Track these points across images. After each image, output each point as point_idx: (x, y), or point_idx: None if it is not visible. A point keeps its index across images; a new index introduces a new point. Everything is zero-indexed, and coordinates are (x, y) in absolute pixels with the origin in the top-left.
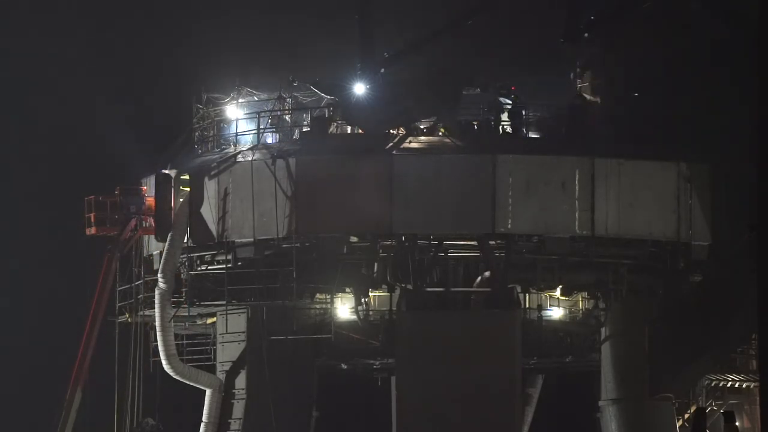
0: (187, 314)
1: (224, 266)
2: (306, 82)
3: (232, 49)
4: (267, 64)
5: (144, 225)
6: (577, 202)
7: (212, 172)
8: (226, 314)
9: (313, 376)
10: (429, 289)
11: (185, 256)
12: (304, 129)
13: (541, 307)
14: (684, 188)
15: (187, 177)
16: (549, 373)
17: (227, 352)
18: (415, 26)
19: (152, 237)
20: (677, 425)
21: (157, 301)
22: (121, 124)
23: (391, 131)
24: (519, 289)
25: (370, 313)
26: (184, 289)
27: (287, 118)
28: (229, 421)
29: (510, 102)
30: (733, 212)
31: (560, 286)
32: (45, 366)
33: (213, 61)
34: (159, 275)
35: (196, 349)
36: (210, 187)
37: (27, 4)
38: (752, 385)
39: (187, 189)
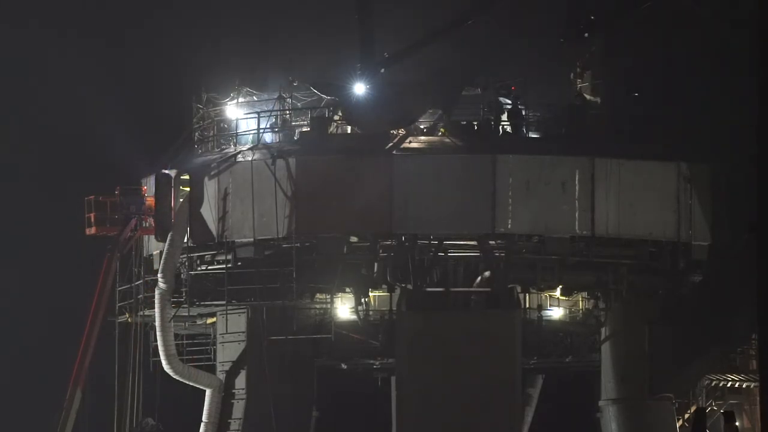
0: (187, 314)
1: (224, 266)
2: (306, 82)
3: (233, 49)
4: (267, 64)
5: (144, 225)
6: (577, 202)
7: (212, 172)
8: (226, 314)
9: (313, 376)
10: (429, 289)
11: (185, 256)
12: (304, 129)
13: (541, 307)
14: (684, 188)
15: (187, 177)
16: (549, 373)
17: (227, 352)
18: (415, 26)
19: (152, 237)
20: (677, 425)
21: (157, 301)
22: (121, 124)
23: (391, 131)
24: (519, 289)
25: (370, 313)
26: (184, 289)
27: (288, 117)
28: (229, 421)
29: (510, 102)
30: (733, 212)
31: (560, 286)
32: (45, 366)
33: (213, 61)
34: (159, 275)
35: (196, 349)
36: (210, 187)
37: (27, 4)
38: (752, 385)
39: (187, 189)
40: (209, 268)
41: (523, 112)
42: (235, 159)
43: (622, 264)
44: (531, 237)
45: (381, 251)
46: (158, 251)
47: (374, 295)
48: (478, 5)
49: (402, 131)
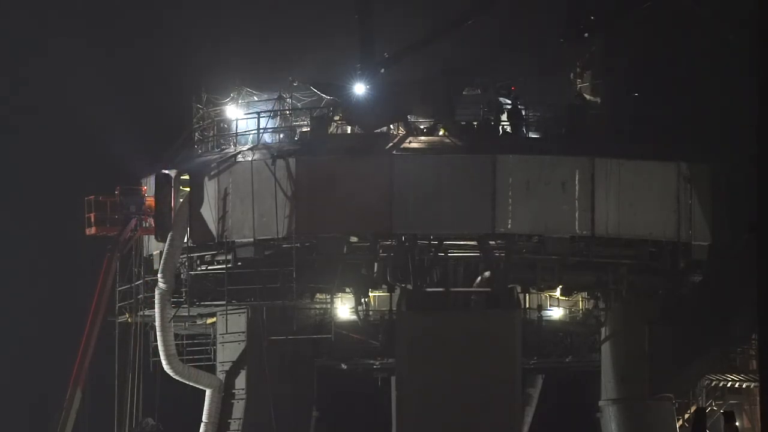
0: (187, 314)
1: (224, 266)
2: (306, 82)
3: (233, 49)
4: (267, 64)
5: (144, 225)
6: (577, 202)
7: (212, 172)
8: (226, 314)
9: (313, 376)
10: (429, 289)
11: (185, 256)
12: (304, 129)
13: (541, 307)
14: (684, 188)
15: (187, 177)
16: (549, 373)
17: (227, 352)
18: (415, 26)
19: (152, 237)
20: (677, 425)
21: (157, 301)
22: (121, 124)
23: (392, 131)
24: (519, 289)
25: (370, 313)
26: (184, 289)
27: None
28: (229, 421)
29: (510, 102)
30: (733, 212)
31: (560, 286)
32: (45, 366)
33: (213, 61)
34: (159, 275)
35: (196, 349)
36: (210, 187)
37: (27, 3)
38: (752, 385)
39: (187, 189)
40: (209, 268)
41: (523, 112)
42: (235, 159)
43: (622, 264)
44: (531, 237)
45: (381, 251)
46: (158, 251)
47: (374, 295)
48: (478, 5)
49: (402, 131)
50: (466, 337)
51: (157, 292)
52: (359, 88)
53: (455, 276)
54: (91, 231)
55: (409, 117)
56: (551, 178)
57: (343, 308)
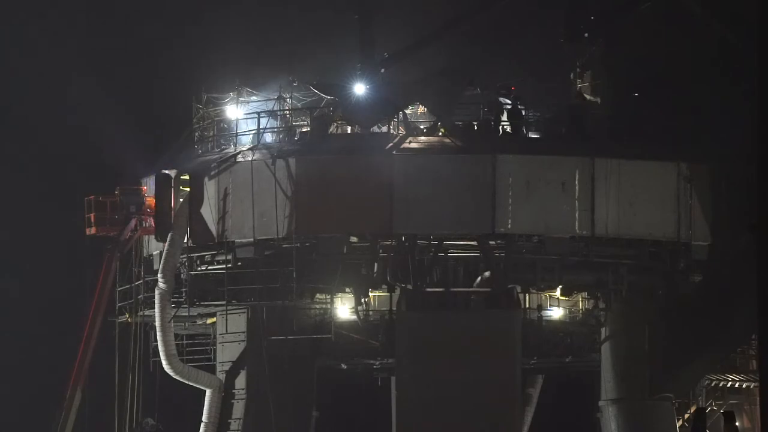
0: (187, 314)
1: (224, 266)
2: (306, 82)
3: (233, 49)
4: (267, 64)
5: (144, 225)
6: (577, 202)
7: (212, 172)
8: (226, 314)
9: (313, 376)
10: (429, 289)
11: (185, 256)
12: (304, 129)
13: (541, 307)
14: (684, 188)
15: (187, 177)
16: (549, 373)
17: (227, 352)
18: (415, 26)
19: (152, 237)
20: (677, 425)
21: (157, 301)
22: (121, 124)
23: (392, 131)
24: (519, 289)
25: (370, 313)
26: (184, 289)
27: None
28: (229, 421)
29: (510, 102)
30: (733, 212)
31: (560, 286)
32: (45, 366)
33: (213, 61)
34: (159, 275)
35: (196, 349)
36: (210, 187)
37: (26, 4)
38: (752, 385)
39: (187, 189)
40: (209, 268)
41: (523, 112)
42: (235, 159)
43: (622, 264)
44: (531, 237)
45: (381, 251)
46: (158, 251)
47: (374, 295)
48: (479, 5)
49: (402, 131)
50: (466, 338)
51: (157, 292)
52: (359, 88)
53: (455, 276)
54: (91, 231)
55: (409, 116)
56: (551, 178)
57: (343, 308)
